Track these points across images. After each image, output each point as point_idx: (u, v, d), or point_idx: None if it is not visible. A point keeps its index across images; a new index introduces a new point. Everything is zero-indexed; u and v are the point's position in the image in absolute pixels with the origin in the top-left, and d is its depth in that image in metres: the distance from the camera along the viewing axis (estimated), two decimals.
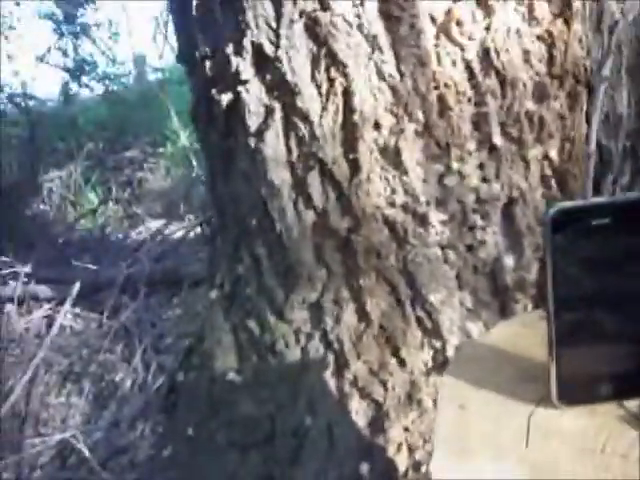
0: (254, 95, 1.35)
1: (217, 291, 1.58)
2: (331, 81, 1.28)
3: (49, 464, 1.80)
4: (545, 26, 1.27)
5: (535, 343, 0.69)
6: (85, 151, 4.79)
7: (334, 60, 1.27)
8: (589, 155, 1.22)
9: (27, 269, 2.82)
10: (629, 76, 1.36)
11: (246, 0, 1.29)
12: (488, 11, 1.25)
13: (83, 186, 4.48)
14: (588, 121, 1.32)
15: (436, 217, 1.33)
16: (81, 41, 6.31)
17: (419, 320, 1.37)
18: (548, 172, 1.35)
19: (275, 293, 1.45)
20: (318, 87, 1.30)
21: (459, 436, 0.64)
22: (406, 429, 1.35)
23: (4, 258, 3.03)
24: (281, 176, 1.37)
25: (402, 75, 1.27)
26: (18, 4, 6.09)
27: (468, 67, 1.28)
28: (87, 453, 1.69)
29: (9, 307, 2.67)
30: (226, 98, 1.38)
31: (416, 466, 1.31)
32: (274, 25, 1.29)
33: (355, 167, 1.31)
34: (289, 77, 1.30)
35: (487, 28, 1.26)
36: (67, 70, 6.19)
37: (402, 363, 1.38)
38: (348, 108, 1.29)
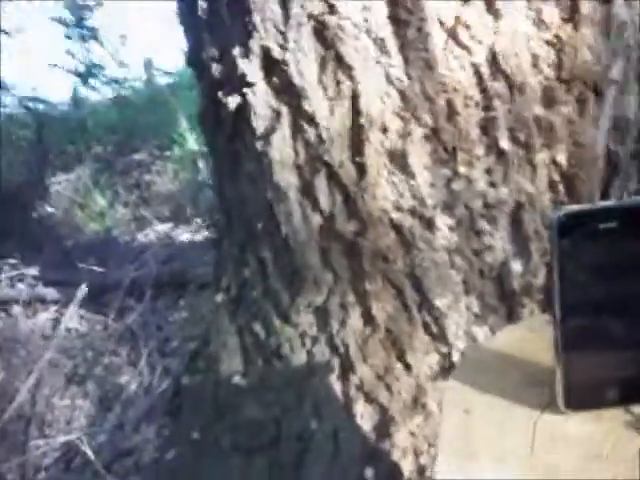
0: (261, 98, 1.35)
1: (223, 294, 1.58)
2: (338, 84, 1.28)
3: (53, 466, 1.80)
4: (554, 31, 1.26)
5: (541, 348, 0.69)
6: (93, 154, 4.81)
7: (341, 63, 1.27)
8: (596, 159, 1.21)
9: (34, 271, 2.84)
10: (638, 81, 1.36)
11: (254, 3, 1.29)
12: (497, 15, 1.25)
13: (91, 189, 4.49)
14: (596, 125, 1.31)
15: (443, 221, 1.33)
16: (91, 45, 6.34)
17: (425, 324, 1.37)
18: (556, 177, 1.34)
19: (281, 296, 1.45)
20: (325, 90, 1.30)
21: (463, 441, 0.64)
22: (411, 433, 1.34)
23: (11, 260, 3.05)
24: (288, 179, 1.37)
25: (410, 79, 1.27)
26: (28, 7, 6.13)
27: (476, 71, 1.27)
28: (92, 455, 1.68)
29: (16, 309, 2.67)
30: (233, 101, 1.38)
31: (421, 470, 1.30)
32: (282, 28, 1.29)
33: (362, 171, 1.31)
34: (296, 80, 1.30)
35: (495, 32, 1.26)
36: (77, 74, 6.21)
37: (408, 367, 1.37)
38: (355, 111, 1.29)
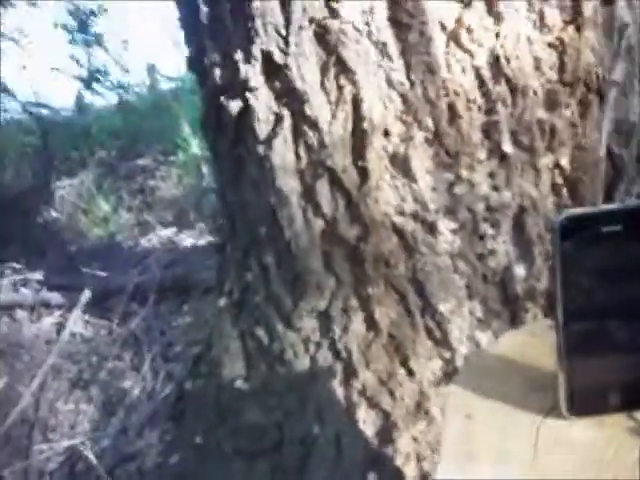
0: (263, 103, 1.35)
1: (226, 299, 1.58)
2: (340, 89, 1.28)
3: (57, 471, 1.80)
4: (556, 33, 1.26)
5: (544, 352, 0.68)
6: (97, 159, 4.83)
7: (343, 67, 1.27)
8: (599, 162, 1.21)
9: (38, 276, 2.84)
10: None
11: (255, 8, 1.29)
12: (498, 18, 1.25)
13: (95, 194, 4.50)
14: (599, 128, 1.31)
15: (446, 226, 1.32)
16: (94, 50, 6.36)
17: (428, 329, 1.36)
18: (559, 180, 1.34)
19: (283, 301, 1.45)
20: (327, 94, 1.29)
21: (466, 446, 0.63)
22: (414, 439, 1.33)
23: (16, 265, 3.05)
24: (290, 184, 1.36)
25: (412, 83, 1.27)
26: (32, 14, 6.16)
27: (478, 75, 1.27)
28: (94, 461, 1.68)
29: (20, 313, 2.68)
30: (235, 105, 1.38)
31: (424, 476, 1.30)
32: (283, 32, 1.29)
33: (364, 175, 1.31)
34: (298, 84, 1.30)
35: (497, 35, 1.25)
36: (81, 79, 6.23)
37: (411, 373, 1.36)
38: (357, 116, 1.29)
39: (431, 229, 1.32)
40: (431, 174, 1.30)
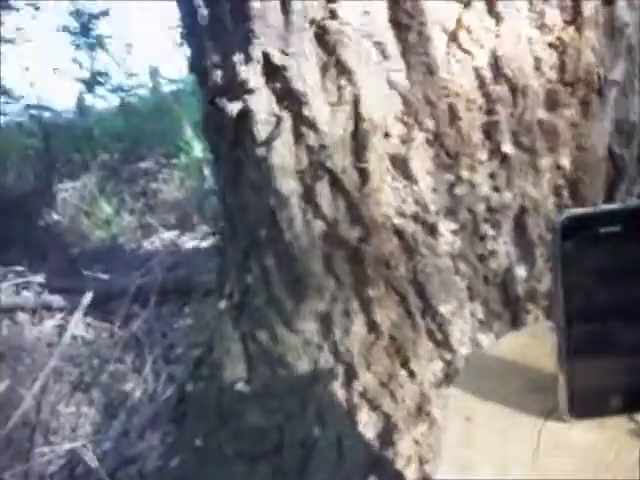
0: (263, 104, 1.34)
1: (226, 301, 1.58)
2: (340, 89, 1.28)
3: (58, 473, 1.80)
4: (556, 33, 1.26)
5: (545, 354, 0.68)
6: (99, 162, 4.83)
7: (343, 68, 1.27)
8: (599, 162, 1.20)
9: (40, 279, 2.84)
10: None
11: (255, 9, 1.29)
12: (498, 18, 1.24)
13: (97, 196, 4.50)
14: (599, 128, 1.30)
15: (446, 227, 1.32)
16: (96, 53, 6.37)
17: (429, 331, 1.36)
18: (560, 181, 1.33)
19: (284, 304, 1.44)
20: (327, 95, 1.29)
21: (465, 449, 0.63)
22: (416, 442, 1.33)
23: (17, 268, 3.05)
24: (290, 186, 1.36)
25: (411, 83, 1.26)
26: (34, 16, 6.17)
27: (478, 75, 1.27)
28: (95, 464, 1.68)
29: (22, 316, 2.68)
30: (235, 107, 1.38)
31: (426, 479, 1.29)
32: (283, 33, 1.29)
33: (364, 176, 1.30)
34: (298, 86, 1.29)
35: (497, 35, 1.25)
36: (83, 82, 6.24)
37: (412, 375, 1.36)
38: (357, 117, 1.28)
39: (432, 230, 1.32)
40: (431, 175, 1.30)
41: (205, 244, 3.11)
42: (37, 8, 6.22)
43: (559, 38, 1.26)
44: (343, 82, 1.27)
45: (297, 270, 1.40)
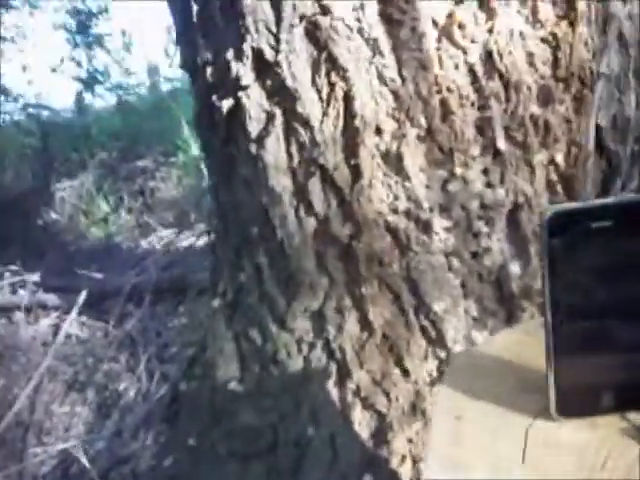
0: (255, 101, 1.34)
1: (220, 300, 1.57)
2: (332, 86, 1.27)
3: (51, 474, 1.79)
4: (549, 28, 1.25)
5: (539, 352, 0.66)
6: (97, 160, 4.83)
7: (334, 64, 1.26)
8: (588, 155, 1.19)
9: (35, 277, 2.83)
10: (637, 79, 1.34)
11: (246, 5, 1.28)
12: (490, 14, 1.23)
13: (95, 195, 4.49)
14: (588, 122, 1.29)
15: (440, 224, 1.31)
16: (95, 51, 6.36)
17: (423, 329, 1.35)
18: (554, 177, 1.32)
19: (277, 302, 1.43)
20: (319, 92, 1.28)
21: (454, 448, 0.62)
22: (410, 440, 1.32)
23: (13, 267, 3.05)
24: (282, 183, 1.35)
25: (404, 79, 1.25)
26: (32, 14, 6.16)
27: (471, 70, 1.26)
28: (87, 464, 1.67)
29: (17, 315, 2.67)
30: (227, 104, 1.37)
31: (420, 478, 1.28)
32: (274, 30, 1.28)
33: (356, 173, 1.30)
34: (289, 82, 1.28)
35: (490, 31, 1.24)
36: (81, 80, 6.23)
37: (406, 373, 1.35)
38: (349, 113, 1.27)
39: (425, 227, 1.31)
40: (424, 171, 1.29)
41: (201, 242, 3.10)
42: (34, 6, 6.21)
43: (552, 33, 1.26)
44: (334, 78, 1.26)
45: (290, 268, 1.39)
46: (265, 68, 1.31)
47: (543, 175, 1.32)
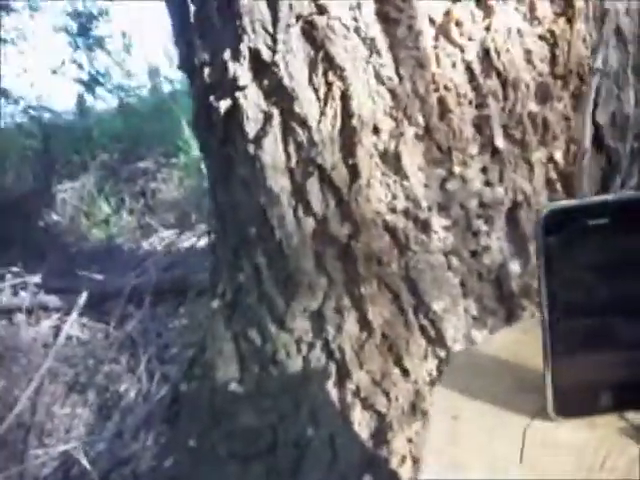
0: (252, 101, 1.33)
1: (219, 300, 1.57)
2: (329, 85, 1.27)
3: (52, 475, 1.79)
4: (547, 25, 1.24)
5: (537, 351, 0.66)
6: (99, 162, 4.83)
7: (331, 64, 1.26)
8: (584, 152, 1.18)
9: (37, 279, 2.84)
10: (636, 75, 1.33)
11: (243, 5, 1.28)
12: (488, 11, 1.23)
13: (96, 197, 4.50)
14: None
15: (438, 223, 1.30)
16: (95, 53, 6.37)
17: (422, 328, 1.34)
18: (553, 175, 1.32)
19: (276, 302, 1.43)
20: (316, 91, 1.28)
21: (450, 448, 0.61)
22: (410, 440, 1.31)
23: (14, 268, 3.05)
24: (280, 183, 1.35)
25: (401, 78, 1.25)
26: (32, 17, 6.17)
27: (468, 68, 1.25)
28: (88, 465, 1.67)
29: (19, 317, 2.68)
30: (224, 105, 1.37)
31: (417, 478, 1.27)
32: (271, 30, 1.27)
33: (354, 172, 1.29)
34: (286, 82, 1.28)
35: (487, 28, 1.23)
36: (82, 82, 6.24)
37: (405, 373, 1.35)
38: (346, 112, 1.27)
39: (423, 226, 1.30)
40: (423, 170, 1.28)
41: (202, 243, 3.10)
42: (35, 8, 6.22)
43: (550, 30, 1.25)
44: (332, 77, 1.26)
45: (288, 268, 1.39)
46: (262, 68, 1.31)
47: (542, 173, 1.31)
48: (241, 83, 1.33)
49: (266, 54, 1.29)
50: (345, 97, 1.26)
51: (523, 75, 1.26)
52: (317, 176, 1.32)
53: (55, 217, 4.47)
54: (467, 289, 1.34)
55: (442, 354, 1.34)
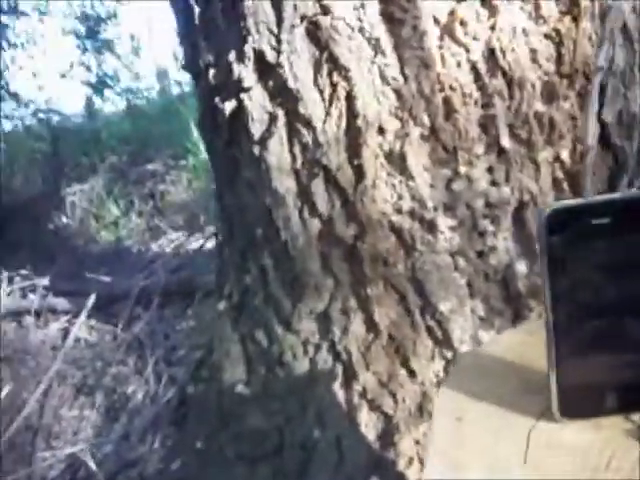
0: (257, 102, 1.33)
1: (226, 302, 1.57)
2: (334, 86, 1.26)
3: (59, 477, 1.80)
4: (552, 24, 1.23)
5: (542, 352, 0.65)
6: (107, 164, 4.85)
7: (336, 64, 1.25)
8: (588, 150, 1.17)
9: (45, 282, 2.85)
10: None
11: (247, 7, 1.28)
12: (493, 10, 1.22)
13: (105, 199, 4.52)
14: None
15: (444, 223, 1.30)
16: (104, 56, 6.40)
17: (429, 329, 1.34)
18: (559, 174, 1.31)
19: (282, 303, 1.43)
20: (321, 92, 1.28)
21: (454, 450, 0.61)
22: (417, 442, 1.31)
23: (23, 271, 3.07)
24: (285, 184, 1.35)
25: (406, 78, 1.24)
26: (42, 21, 6.21)
27: (474, 68, 1.25)
28: (95, 468, 1.67)
29: (27, 319, 2.69)
30: (229, 106, 1.37)
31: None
32: (275, 31, 1.27)
33: (360, 173, 1.29)
34: (291, 83, 1.28)
35: (492, 28, 1.23)
36: (90, 85, 6.27)
37: (412, 374, 1.34)
38: (351, 113, 1.27)
39: (430, 227, 1.30)
40: (428, 171, 1.28)
41: (210, 245, 3.11)
42: (44, 12, 6.26)
43: (555, 29, 1.24)
44: (336, 78, 1.25)
45: (295, 269, 1.39)
46: (267, 69, 1.31)
47: (548, 172, 1.31)
48: (246, 84, 1.33)
49: (271, 55, 1.29)
50: (350, 97, 1.26)
51: (529, 74, 1.25)
52: (322, 177, 1.31)
53: (64, 220, 4.49)
54: (474, 290, 1.33)
55: (449, 355, 1.33)
